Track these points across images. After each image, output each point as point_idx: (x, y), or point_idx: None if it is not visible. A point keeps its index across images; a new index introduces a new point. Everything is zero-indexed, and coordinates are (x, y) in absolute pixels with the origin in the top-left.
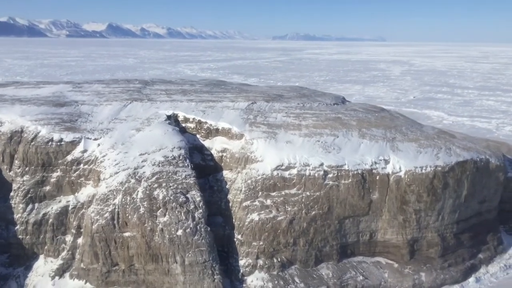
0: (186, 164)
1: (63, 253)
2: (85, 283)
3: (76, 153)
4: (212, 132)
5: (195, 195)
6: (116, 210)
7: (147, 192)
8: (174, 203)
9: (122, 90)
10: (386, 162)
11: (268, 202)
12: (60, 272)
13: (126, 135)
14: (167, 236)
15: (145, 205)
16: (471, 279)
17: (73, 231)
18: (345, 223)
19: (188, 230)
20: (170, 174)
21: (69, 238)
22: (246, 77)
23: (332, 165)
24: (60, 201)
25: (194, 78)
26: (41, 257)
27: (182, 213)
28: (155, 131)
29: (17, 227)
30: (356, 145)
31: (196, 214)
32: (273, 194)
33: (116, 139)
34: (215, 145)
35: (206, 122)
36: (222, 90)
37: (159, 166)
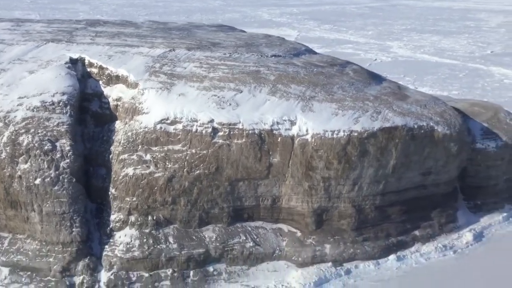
0: (64, 111)
1: None
2: None
3: None
4: (113, 79)
5: (65, 144)
6: None
7: (13, 137)
8: (38, 151)
9: (53, 31)
10: (292, 123)
11: (148, 157)
12: None
13: (17, 77)
14: (25, 184)
15: (8, 150)
16: (391, 257)
17: None
18: (238, 185)
19: (47, 179)
20: (42, 120)
21: None
22: (321, 23)
23: (223, 122)
24: None
25: (245, 22)
26: None
27: (45, 162)
28: (47, 74)
29: None
30: (260, 103)
31: (61, 164)
32: (154, 149)
33: (5, 80)
34: (113, 93)
35: (107, 68)
36: (164, 35)
37: (33, 111)
